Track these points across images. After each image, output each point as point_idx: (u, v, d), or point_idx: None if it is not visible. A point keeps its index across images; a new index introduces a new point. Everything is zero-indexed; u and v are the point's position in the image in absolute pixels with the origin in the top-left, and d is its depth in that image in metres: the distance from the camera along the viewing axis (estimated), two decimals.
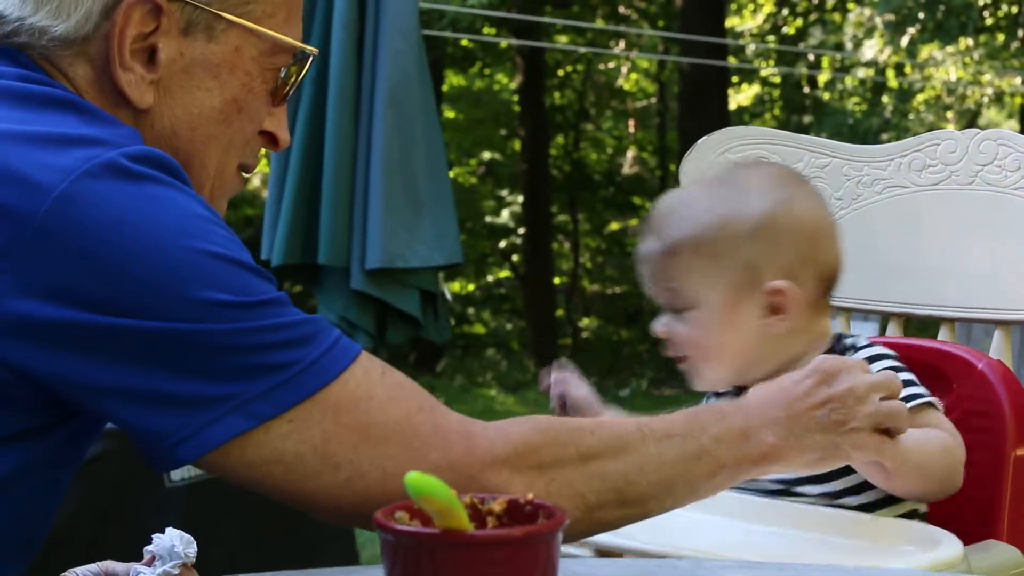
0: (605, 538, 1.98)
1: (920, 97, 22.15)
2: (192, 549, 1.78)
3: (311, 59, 1.95)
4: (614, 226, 29.46)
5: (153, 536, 1.78)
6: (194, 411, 1.63)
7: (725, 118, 21.37)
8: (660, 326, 2.38)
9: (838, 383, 1.88)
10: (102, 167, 1.63)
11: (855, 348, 2.32)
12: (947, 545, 2.03)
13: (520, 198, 26.66)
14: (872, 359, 2.27)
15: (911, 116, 21.58)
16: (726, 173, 2.39)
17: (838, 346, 2.32)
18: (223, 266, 1.66)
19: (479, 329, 27.36)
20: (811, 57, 23.20)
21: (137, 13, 1.78)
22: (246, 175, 1.99)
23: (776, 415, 1.86)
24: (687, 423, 1.83)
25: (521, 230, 26.76)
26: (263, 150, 2.00)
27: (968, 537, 2.18)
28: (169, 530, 1.78)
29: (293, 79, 1.95)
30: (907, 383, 2.21)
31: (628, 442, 1.79)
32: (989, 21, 20.30)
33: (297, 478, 1.69)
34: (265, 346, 1.65)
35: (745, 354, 2.31)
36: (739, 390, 2.32)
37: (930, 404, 2.23)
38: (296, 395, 1.66)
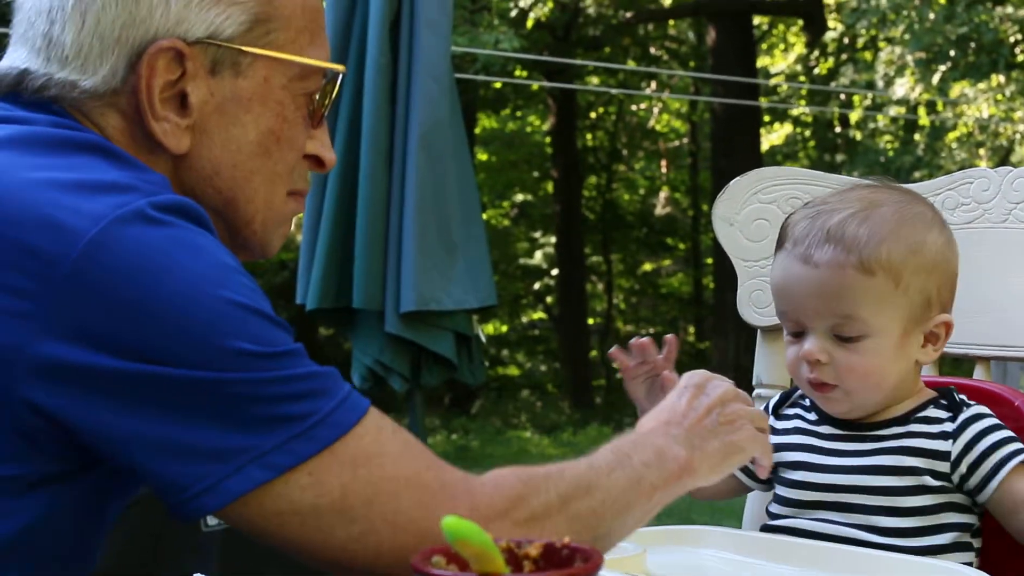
0: None
1: (952, 135, 22.09)
2: None
3: (341, 76, 1.95)
4: (647, 267, 29.47)
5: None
6: (215, 463, 1.63)
7: (757, 158, 21.37)
8: (820, 352, 2.28)
9: (710, 391, 2.04)
10: (133, 214, 1.63)
11: (966, 404, 2.32)
12: None
13: (553, 239, 26.70)
14: (975, 418, 2.28)
15: (943, 154, 21.51)
16: (890, 194, 2.34)
17: (953, 400, 2.32)
18: (248, 316, 1.66)
19: (513, 371, 27.36)
20: (842, 96, 23.19)
21: (161, 62, 1.79)
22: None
23: (674, 432, 1.96)
24: (616, 455, 1.89)
25: (554, 271, 26.78)
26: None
27: None
28: None
29: (328, 99, 1.94)
30: (1011, 439, 2.26)
31: (590, 480, 1.83)
32: (1021, 58, 20.25)
33: (311, 531, 1.69)
34: (284, 397, 1.66)
35: (901, 383, 2.31)
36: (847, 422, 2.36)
37: None
38: (313, 447, 1.67)
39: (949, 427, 2.27)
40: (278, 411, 1.65)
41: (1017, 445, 2.25)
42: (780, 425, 2.43)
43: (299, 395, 1.67)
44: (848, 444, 2.33)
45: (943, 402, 2.32)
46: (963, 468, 2.24)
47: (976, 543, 2.30)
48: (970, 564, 2.26)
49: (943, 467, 2.25)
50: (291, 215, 1.98)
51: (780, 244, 2.36)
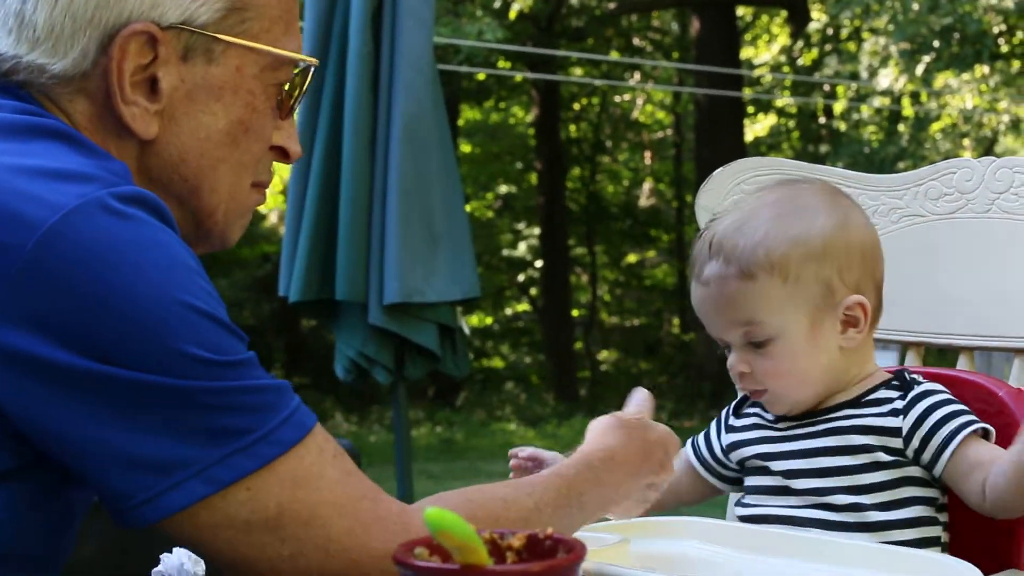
0: (621, 571, 1.97)
1: (936, 125, 22.15)
2: (201, 568, 1.78)
3: (313, 69, 1.94)
4: (631, 258, 29.49)
5: (161, 556, 1.78)
6: (157, 474, 1.61)
7: (741, 149, 21.40)
8: (740, 364, 2.34)
9: (666, 470, 2.15)
10: (93, 205, 1.61)
11: (916, 383, 2.32)
12: None
13: (537, 231, 26.71)
14: (925, 394, 2.29)
15: (927, 144, 21.56)
16: (777, 193, 2.36)
17: (904, 380, 2.32)
18: (205, 322, 1.65)
19: (497, 363, 27.36)
20: (827, 87, 23.22)
21: (133, 45, 1.77)
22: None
23: (624, 490, 2.07)
24: (569, 494, 1.94)
25: (538, 263, 26.80)
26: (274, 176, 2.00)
27: (990, 566, 2.17)
28: (177, 550, 1.77)
29: (298, 91, 1.93)
30: (963, 412, 2.26)
31: (530, 522, 1.83)
32: (1004, 48, 20.29)
33: (242, 546, 1.68)
34: (232, 408, 1.64)
35: (829, 373, 2.32)
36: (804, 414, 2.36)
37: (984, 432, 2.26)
38: (254, 463, 1.65)
39: (899, 404, 2.28)
40: (224, 423, 1.63)
41: (968, 417, 2.26)
42: (740, 423, 2.46)
43: (247, 408, 1.65)
44: (802, 430, 2.35)
45: (895, 383, 2.33)
46: (916, 442, 2.25)
47: (942, 517, 2.31)
48: (938, 538, 2.28)
49: (895, 443, 2.26)
50: (253, 206, 1.96)
51: (689, 268, 2.40)
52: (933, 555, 2.12)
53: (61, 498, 1.75)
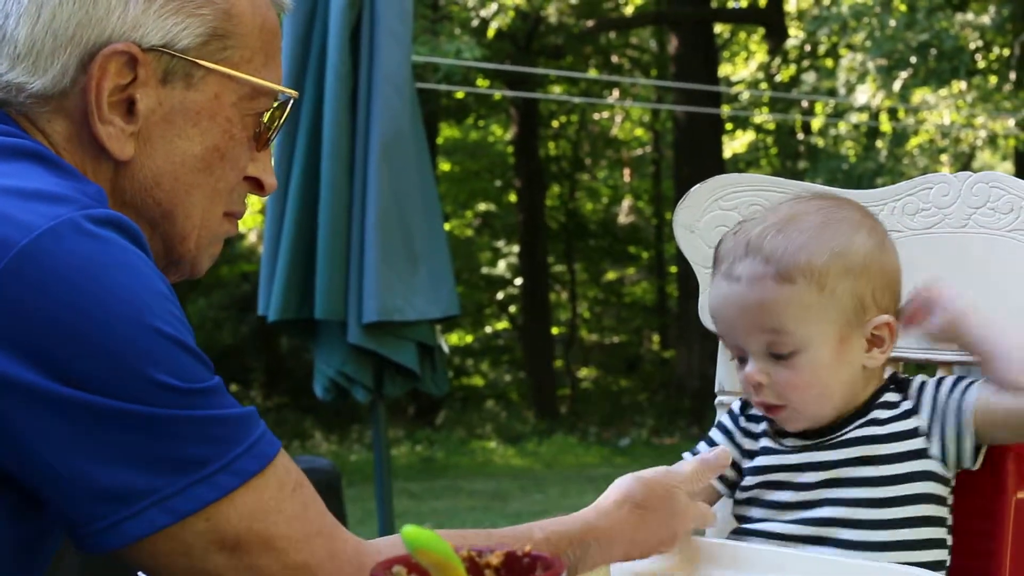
0: None
1: (914, 141, 22.19)
2: None
3: (291, 101, 1.95)
4: (611, 275, 29.51)
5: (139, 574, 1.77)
6: (116, 503, 1.61)
7: (720, 165, 21.43)
8: (758, 374, 2.29)
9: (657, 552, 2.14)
10: (66, 226, 1.61)
11: (910, 379, 2.32)
12: None
13: (516, 249, 26.72)
14: (923, 385, 2.31)
15: (905, 160, 21.60)
16: (820, 203, 2.35)
17: (897, 379, 2.34)
18: (174, 349, 1.64)
19: (478, 381, 27.35)
20: (804, 103, 23.27)
21: (113, 65, 1.78)
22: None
23: (608, 560, 2.04)
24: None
25: (518, 281, 26.80)
26: (253, 197, 1.99)
27: None
28: None
29: (276, 123, 1.93)
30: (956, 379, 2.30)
31: None
32: (981, 64, 20.36)
33: (198, 574, 1.68)
34: (195, 438, 1.63)
35: (847, 390, 2.30)
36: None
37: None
38: (214, 493, 1.64)
39: (908, 405, 2.29)
40: (187, 452, 1.63)
41: (959, 379, 2.29)
42: (752, 428, 2.42)
43: (210, 438, 1.65)
44: (815, 439, 2.32)
45: (891, 385, 2.33)
46: (935, 428, 2.25)
47: (950, 539, 2.29)
48: (943, 562, 2.26)
49: (916, 444, 2.26)
50: (224, 236, 1.96)
51: (713, 265, 2.36)
52: (916, 571, 2.11)
53: (35, 518, 1.74)
